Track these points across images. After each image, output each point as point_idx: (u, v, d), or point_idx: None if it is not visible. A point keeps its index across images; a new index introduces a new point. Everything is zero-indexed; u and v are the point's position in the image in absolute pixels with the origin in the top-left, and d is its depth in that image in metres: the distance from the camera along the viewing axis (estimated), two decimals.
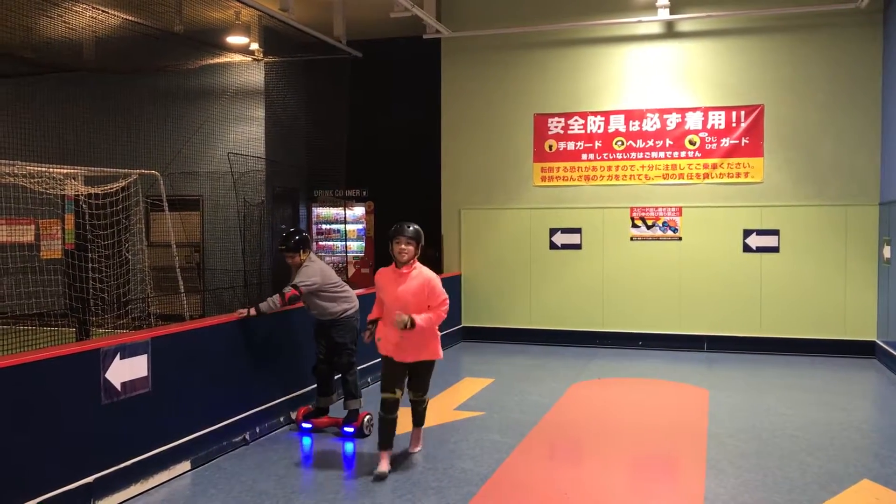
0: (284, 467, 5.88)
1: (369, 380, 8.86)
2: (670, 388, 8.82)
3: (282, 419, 6.98)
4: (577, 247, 11.36)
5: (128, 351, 5.19)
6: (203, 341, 6.10)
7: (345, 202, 13.88)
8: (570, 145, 11.36)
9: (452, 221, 11.94)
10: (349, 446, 6.45)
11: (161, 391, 5.46)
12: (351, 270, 13.95)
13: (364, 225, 14.06)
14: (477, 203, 11.81)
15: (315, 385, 7.00)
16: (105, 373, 5.00)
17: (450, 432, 6.88)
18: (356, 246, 14.10)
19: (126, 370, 5.16)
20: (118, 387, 5.10)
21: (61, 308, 10.47)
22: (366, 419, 6.62)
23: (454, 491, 5.36)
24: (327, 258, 14.25)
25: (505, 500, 5.33)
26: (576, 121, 11.34)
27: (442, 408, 7.73)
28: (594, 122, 11.26)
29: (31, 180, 9.29)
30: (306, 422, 6.76)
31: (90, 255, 10.47)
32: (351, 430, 6.56)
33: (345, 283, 6.81)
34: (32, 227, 12.93)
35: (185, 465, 5.70)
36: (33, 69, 12.32)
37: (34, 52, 12.05)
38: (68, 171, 9.72)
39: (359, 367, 7.27)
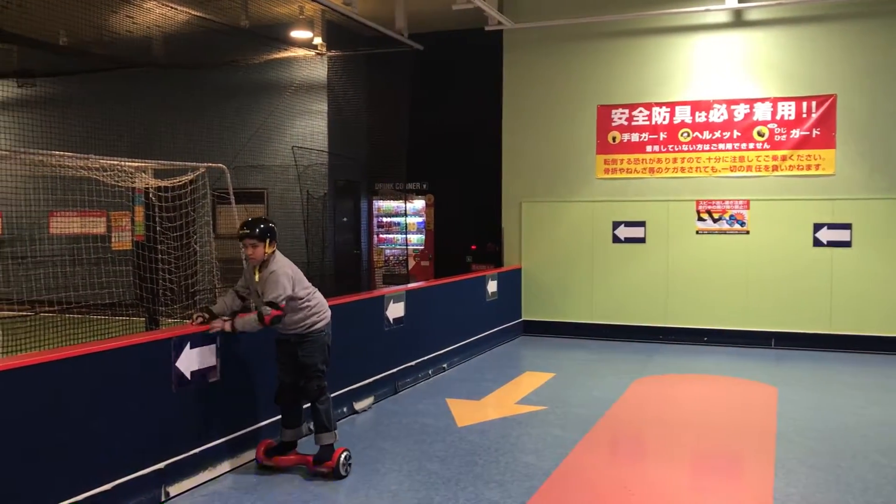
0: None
1: (445, 365, 8.89)
2: (737, 385, 8.63)
3: (345, 409, 7.05)
4: (641, 240, 11.20)
5: (197, 341, 5.30)
6: (269, 331, 6.18)
7: (405, 195, 13.94)
8: (635, 137, 11.19)
9: (513, 214, 11.88)
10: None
11: (229, 380, 5.56)
12: (411, 263, 14.02)
13: (424, 218, 14.11)
14: (538, 196, 11.73)
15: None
16: (175, 361, 5.11)
17: (512, 426, 6.86)
18: (416, 239, 14.15)
19: (196, 359, 5.27)
20: (188, 375, 5.22)
21: (131, 298, 10.75)
22: (342, 457, 5.42)
23: (517, 485, 5.34)
24: (387, 251, 14.35)
25: (568, 495, 5.29)
26: (640, 112, 11.16)
27: (503, 401, 7.71)
28: (659, 113, 11.07)
29: (103, 173, 9.54)
30: (268, 459, 5.54)
31: (159, 246, 10.72)
32: (324, 470, 5.41)
33: (316, 290, 5.62)
34: (104, 219, 13.31)
35: (252, 454, 5.80)
36: (105, 66, 12.67)
37: (106, 49, 12.39)
38: (138, 164, 9.96)
39: (344, 391, 7.12)
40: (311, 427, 5.69)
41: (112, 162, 9.38)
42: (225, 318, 5.33)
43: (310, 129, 13.19)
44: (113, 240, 12.63)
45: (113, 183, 9.86)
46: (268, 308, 5.20)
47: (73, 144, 10.22)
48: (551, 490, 5.28)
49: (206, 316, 5.35)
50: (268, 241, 5.35)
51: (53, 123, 12.40)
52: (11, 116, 14.12)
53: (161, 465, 4.96)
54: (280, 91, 13.24)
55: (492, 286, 10.74)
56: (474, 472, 5.60)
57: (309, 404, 5.56)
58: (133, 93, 13.73)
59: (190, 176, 10.50)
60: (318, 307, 5.53)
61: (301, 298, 5.41)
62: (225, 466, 5.53)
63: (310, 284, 5.54)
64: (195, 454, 5.25)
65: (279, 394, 5.56)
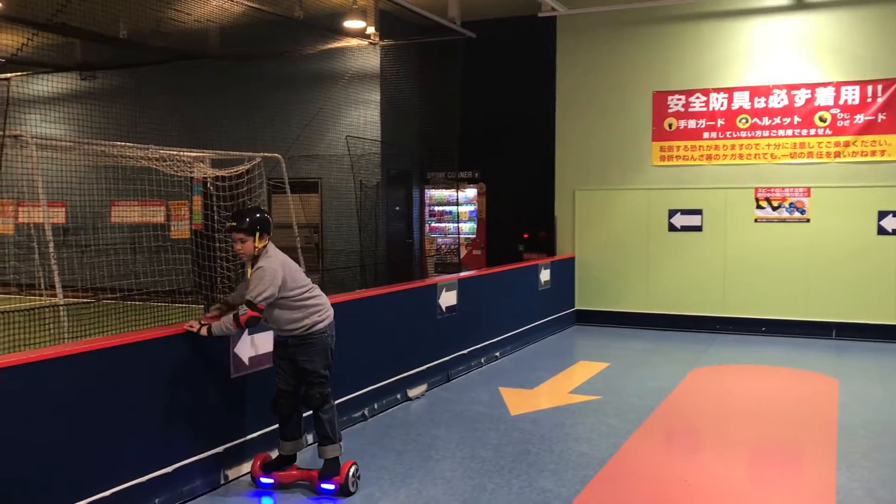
0: (403, 442, 5.98)
1: (497, 354, 8.89)
2: (796, 377, 8.45)
3: (398, 396, 7.10)
4: (698, 228, 11.00)
5: (254, 328, 5.38)
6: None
7: (457, 184, 13.93)
8: (692, 123, 10.99)
9: (566, 203, 11.79)
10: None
11: None
12: (463, 252, 14.02)
13: (476, 207, 14.08)
14: (592, 184, 11.61)
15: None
16: (234, 347, 5.20)
17: (565, 415, 6.83)
18: (468, 228, 14.14)
19: (254, 345, 5.36)
20: (246, 361, 5.30)
21: (190, 286, 10.97)
22: (351, 471, 4.88)
23: (571, 474, 5.32)
24: (438, 240, 14.37)
25: (622, 484, 5.25)
26: (697, 98, 10.95)
27: (556, 391, 7.68)
28: (717, 99, 10.85)
29: (162, 163, 9.74)
30: (266, 475, 5.00)
31: (216, 235, 10.92)
32: (331, 486, 4.83)
33: (315, 286, 5.01)
34: (163, 208, 13.59)
35: (307, 438, 5.88)
36: (163, 57, 12.91)
37: (163, 42, 12.63)
38: (196, 154, 10.15)
39: (397, 378, 7.12)
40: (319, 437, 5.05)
41: (171, 152, 9.58)
42: (204, 319, 4.83)
43: (363, 118, 13.27)
44: (172, 229, 12.91)
45: (172, 173, 10.06)
46: (244, 308, 4.62)
47: (133, 135, 10.45)
48: (605, 479, 5.24)
49: (224, 308, 4.97)
50: (258, 234, 4.74)
51: (114, 115, 12.70)
52: (75, 109, 14.50)
53: (220, 449, 5.06)
54: (334, 81, 13.33)
55: (545, 275, 10.69)
56: (527, 460, 5.59)
57: (310, 413, 5.00)
58: (190, 84, 13.98)
59: (246, 165, 10.66)
60: (318, 306, 4.92)
61: (295, 296, 4.81)
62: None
63: (308, 280, 4.95)
64: (252, 438, 5.34)
65: (276, 402, 4.96)
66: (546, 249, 12.18)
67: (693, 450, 6.23)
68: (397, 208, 14.15)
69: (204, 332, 4.68)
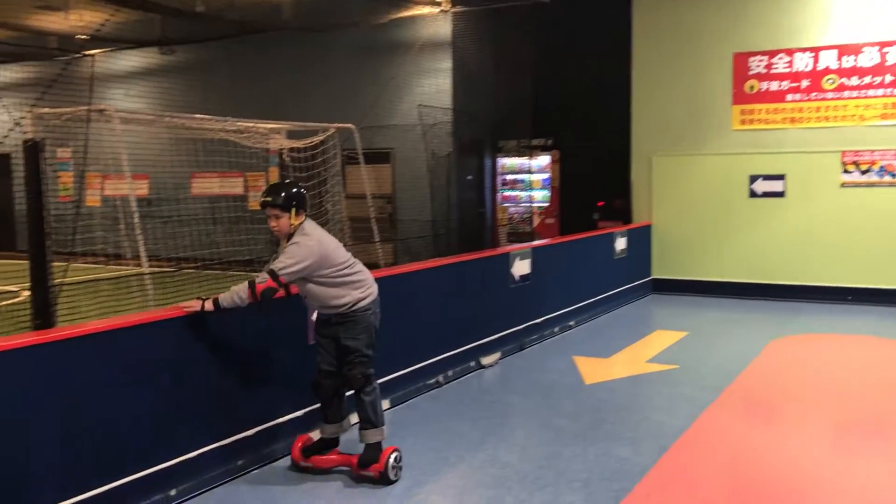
0: (478, 409, 6.01)
1: (572, 323, 8.82)
2: (884, 347, 8.13)
3: (472, 364, 7.13)
4: (780, 194, 10.64)
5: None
6: (399, 288, 6.31)
7: (530, 152, 13.80)
8: (774, 85, 10.59)
9: (642, 169, 11.55)
10: None
11: None
12: (536, 220, 13.92)
13: (549, 174, 13.93)
14: (669, 149, 11.33)
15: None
16: (311, 315, 5.29)
17: (641, 384, 6.75)
18: (541, 196, 14.01)
19: None
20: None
21: (267, 255, 11.20)
22: (391, 458, 4.58)
23: (648, 443, 5.26)
24: (511, 209, 14.29)
25: (700, 454, 5.16)
26: (780, 59, 10.53)
27: (633, 360, 7.59)
28: (801, 59, 10.41)
29: (240, 135, 9.93)
30: (305, 459, 4.77)
31: None
32: (371, 474, 4.58)
33: (357, 262, 4.74)
34: (241, 179, 13.88)
35: (385, 404, 5.95)
36: (238, 30, 13.11)
37: (238, 15, 12.81)
38: (273, 126, 10.30)
39: (471, 346, 7.10)
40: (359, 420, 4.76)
41: (247, 124, 9.75)
42: (204, 297, 4.48)
43: (435, 87, 13.24)
44: (249, 200, 13.18)
45: (249, 145, 10.25)
46: (264, 275, 4.35)
47: (211, 108, 10.67)
48: (683, 449, 5.17)
49: (210, 306, 4.46)
50: (293, 210, 4.48)
51: (193, 88, 12.99)
52: (155, 83, 14.88)
53: (300, 413, 5.17)
54: (405, 50, 13.32)
55: (620, 243, 10.53)
56: (603, 428, 5.55)
57: (353, 394, 4.73)
58: (265, 56, 14.17)
59: (321, 136, 10.78)
60: (361, 282, 4.66)
61: (335, 272, 4.53)
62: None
63: (348, 256, 4.69)
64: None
65: (317, 383, 4.74)
66: (622, 217, 11.98)
67: (773, 422, 6.08)
68: (469, 177, 14.12)
69: (209, 305, 4.34)
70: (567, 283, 9.06)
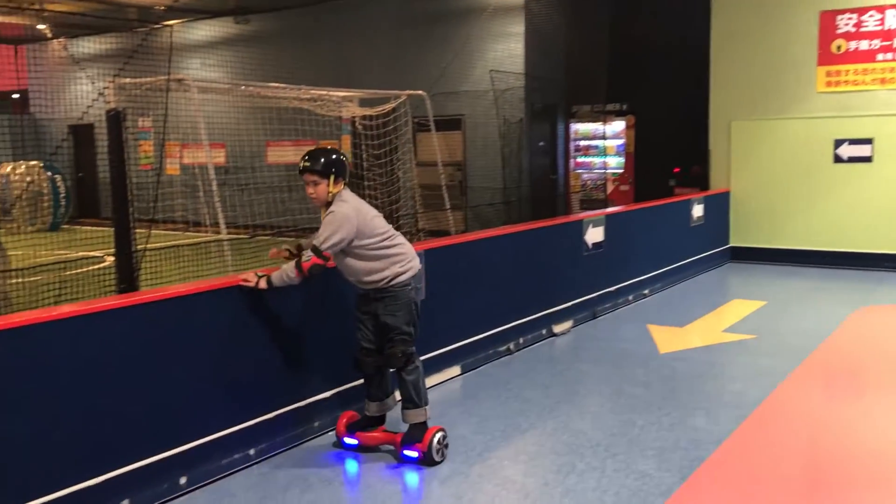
0: (549, 376, 6.00)
1: (646, 291, 8.69)
2: None
3: (544, 332, 7.10)
4: (867, 159, 10.20)
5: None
6: (470, 255, 6.32)
7: (604, 117, 13.54)
8: (864, 44, 10.10)
9: (721, 134, 11.22)
10: None
11: (433, 299, 5.73)
12: (609, 188, 13.70)
13: (624, 140, 13.66)
14: (749, 114, 10.96)
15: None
16: None
17: (718, 354, 6.61)
18: (615, 162, 13.77)
19: None
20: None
21: None
22: (436, 438, 4.39)
23: (723, 412, 5.16)
24: (584, 175, 14.10)
25: (777, 426, 5.04)
26: (871, 16, 10.03)
27: (709, 329, 7.44)
28: (894, 16, 9.89)
29: (313, 104, 10.03)
30: (350, 435, 4.61)
31: (364, 173, 11.19)
32: (413, 454, 4.38)
33: (397, 234, 4.52)
34: (314, 147, 13.99)
35: (456, 370, 6.01)
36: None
37: None
38: (345, 94, 10.36)
39: (543, 313, 7.00)
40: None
41: (320, 92, 9.83)
42: (261, 273, 4.37)
43: (507, 52, 13.08)
44: None
45: (322, 113, 10.34)
46: (308, 254, 4.22)
47: (285, 76, 10.79)
48: (760, 419, 5.06)
49: (293, 251, 4.48)
50: (332, 177, 4.28)
51: (267, 57, 13.14)
52: (231, 52, 15.11)
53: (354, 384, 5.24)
54: (477, 15, 13.18)
55: (697, 210, 10.28)
56: (678, 398, 5.47)
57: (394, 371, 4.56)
58: (338, 24, 14.22)
59: (392, 104, 10.80)
60: (401, 255, 4.42)
61: (374, 244, 4.33)
62: (431, 381, 5.75)
63: (388, 227, 4.46)
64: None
65: (358, 360, 4.57)
66: (699, 184, 11.69)
67: (855, 393, 5.88)
68: (541, 144, 13.97)
69: (263, 284, 4.26)
70: (641, 251, 8.91)
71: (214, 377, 4.27)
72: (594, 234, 7.92)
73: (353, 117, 10.97)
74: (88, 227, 12.83)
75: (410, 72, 13.35)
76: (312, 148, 4.44)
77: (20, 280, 7.31)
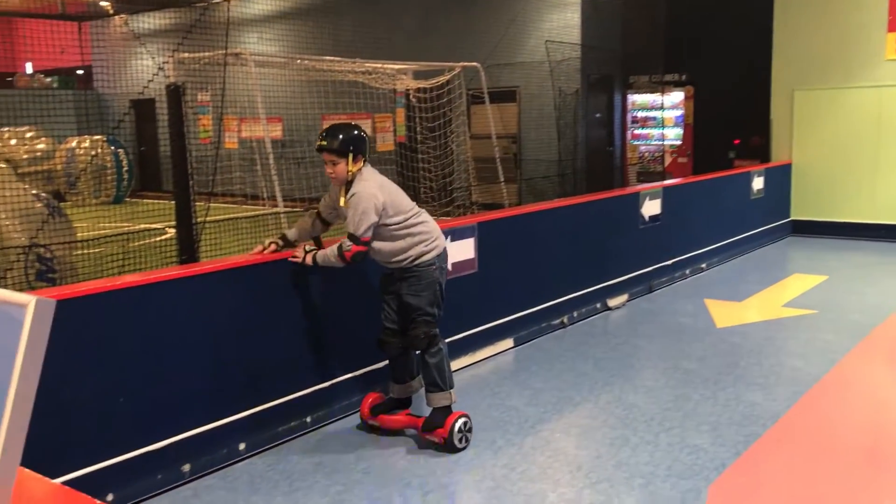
0: (603, 350, 5.97)
1: (703, 265, 8.57)
2: None
3: (598, 305, 7.06)
4: None
5: (457, 234, 5.51)
6: (524, 228, 6.30)
7: (662, 87, 13.28)
8: None
9: (783, 104, 10.90)
10: None
11: (486, 272, 5.76)
12: (667, 160, 13.47)
13: (682, 111, 13.39)
14: (813, 83, 10.62)
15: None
16: None
17: (776, 329, 6.49)
18: (673, 134, 13.52)
19: (456, 252, 5.50)
20: (448, 266, 5.43)
21: None
22: (457, 424, 4.24)
23: (781, 389, 5.08)
24: (642, 147, 13.87)
25: (837, 403, 4.95)
26: None
27: (768, 304, 7.30)
28: None
29: (368, 77, 10.05)
30: (373, 417, 4.50)
31: (419, 146, 11.20)
32: (435, 439, 4.26)
33: (422, 212, 4.36)
34: (369, 121, 14.07)
35: (509, 343, 6.02)
36: None
37: None
38: (399, 66, 10.36)
39: (598, 287, 6.94)
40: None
41: (375, 65, 9.84)
42: (309, 248, 4.34)
43: (562, 22, 12.89)
44: (377, 141, 13.37)
45: (377, 86, 10.36)
46: (348, 242, 4.10)
47: (340, 50, 10.83)
48: (819, 396, 4.96)
49: (280, 243, 4.39)
50: (351, 155, 4.11)
51: (322, 31, 13.20)
52: (287, 26, 15.22)
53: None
54: None
55: (757, 183, 10.05)
56: (735, 373, 5.40)
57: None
58: None
59: (446, 76, 10.76)
60: (425, 234, 4.26)
61: (398, 223, 4.18)
62: (484, 353, 5.80)
63: (412, 205, 4.31)
64: (457, 339, 5.53)
65: (382, 341, 4.42)
66: (760, 156, 11.41)
67: None
68: (598, 115, 13.78)
69: (309, 260, 4.23)
70: (699, 225, 8.77)
71: (273, 347, 4.37)
72: (651, 207, 7.82)
73: (408, 90, 10.97)
74: (150, 200, 13.15)
75: (465, 43, 13.27)
76: (333, 124, 4.26)
77: (86, 251, 7.55)
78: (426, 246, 4.25)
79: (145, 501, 3.73)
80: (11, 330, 1.00)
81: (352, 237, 4.08)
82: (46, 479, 1.53)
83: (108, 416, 3.65)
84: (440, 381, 4.30)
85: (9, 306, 1.04)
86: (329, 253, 4.17)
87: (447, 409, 4.29)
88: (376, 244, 4.19)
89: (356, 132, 4.19)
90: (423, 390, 4.43)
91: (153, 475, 3.79)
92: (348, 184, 4.14)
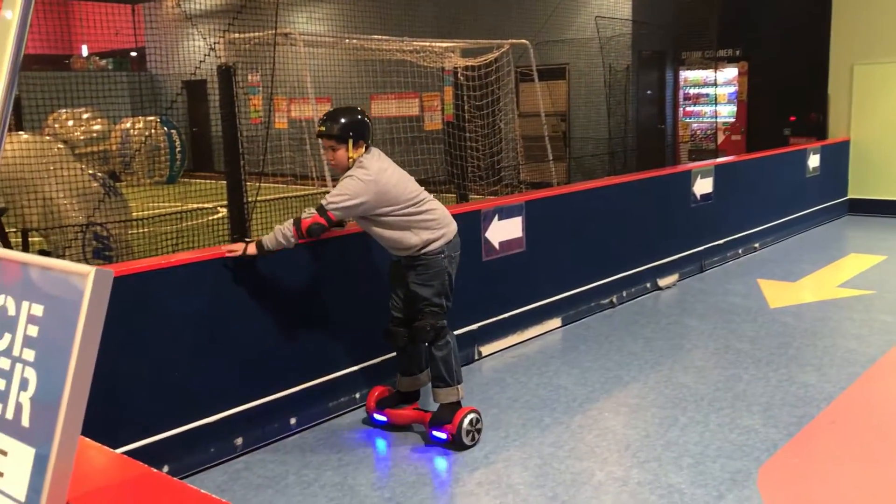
0: (653, 330, 5.92)
1: (756, 245, 8.42)
2: None
3: (648, 285, 6.98)
4: None
5: (505, 213, 5.50)
6: (573, 207, 6.26)
7: (715, 63, 12.99)
8: None
9: (842, 80, 10.58)
10: None
11: (534, 251, 5.74)
12: (720, 137, 13.21)
13: (736, 88, 13.10)
14: (874, 57, 10.28)
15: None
16: (485, 232, 5.37)
17: (832, 310, 6.35)
18: (726, 111, 13.24)
19: (504, 231, 5.49)
20: (496, 245, 5.46)
21: (443, 175, 11.39)
22: (466, 420, 4.02)
23: (836, 370, 4.98)
24: (694, 125, 13.62)
25: (892, 384, 4.84)
26: None
27: (823, 284, 7.15)
28: None
29: (416, 55, 10.03)
30: (379, 412, 4.32)
31: (467, 125, 11.16)
32: (442, 435, 4.04)
33: (430, 198, 4.12)
34: (417, 100, 14.08)
35: (556, 322, 6.00)
36: None
37: None
38: (447, 44, 10.32)
39: (648, 266, 6.85)
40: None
41: (423, 43, 9.82)
42: (249, 238, 4.06)
43: None
44: (425, 120, 13.37)
45: (425, 65, 10.33)
46: (309, 211, 3.84)
47: (389, 28, 10.82)
48: (875, 377, 4.85)
49: (253, 250, 3.95)
50: (351, 141, 3.89)
51: (372, 10, 13.19)
52: (335, 6, 15.26)
53: (474, 327, 5.32)
54: None
55: (813, 161, 9.80)
56: (788, 354, 5.30)
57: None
58: None
59: (494, 54, 10.68)
60: (432, 221, 4.03)
61: (402, 210, 3.94)
62: (531, 332, 5.79)
63: (419, 191, 4.07)
64: (504, 319, 5.54)
65: (389, 331, 4.22)
66: (816, 133, 11.11)
67: None
68: (649, 92, 13.56)
69: (252, 249, 3.87)
70: (752, 204, 8.59)
71: (324, 323, 4.42)
72: (703, 186, 7.69)
73: (456, 68, 10.91)
74: (202, 180, 13.37)
75: (513, 21, 13.14)
76: (333, 109, 4.03)
77: (141, 230, 7.73)
78: (433, 233, 4.02)
79: (199, 473, 3.83)
80: (72, 300, 1.03)
81: (320, 209, 3.81)
82: (106, 448, 1.58)
83: (164, 390, 3.74)
84: (447, 376, 4.09)
85: (69, 276, 1.07)
86: (280, 229, 3.83)
87: (456, 405, 4.09)
88: (380, 232, 4.00)
89: (358, 116, 3.98)
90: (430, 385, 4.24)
91: (207, 448, 3.89)
92: (346, 168, 3.92)
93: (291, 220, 3.82)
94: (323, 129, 3.91)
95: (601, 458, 3.88)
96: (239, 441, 4.01)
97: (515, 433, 4.20)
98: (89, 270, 1.07)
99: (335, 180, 4.04)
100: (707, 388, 4.74)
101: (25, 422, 1.21)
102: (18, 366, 1.23)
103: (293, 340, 4.27)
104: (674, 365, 5.18)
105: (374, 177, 3.87)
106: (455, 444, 4.00)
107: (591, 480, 3.66)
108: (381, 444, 4.14)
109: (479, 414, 4.10)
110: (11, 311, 1.26)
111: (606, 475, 3.71)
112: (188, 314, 3.83)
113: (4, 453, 1.23)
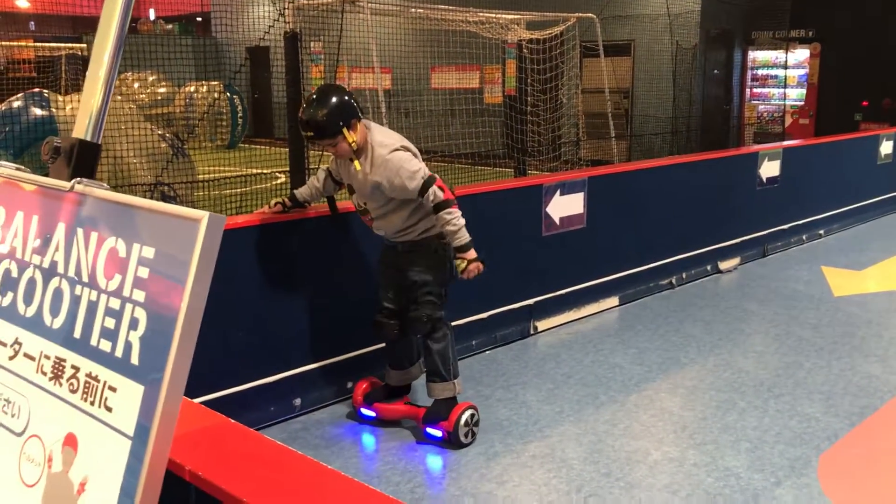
0: (713, 313, 5.84)
1: (821, 232, 8.22)
2: None
3: (709, 268, 6.88)
4: None
5: (567, 188, 5.46)
6: (636, 185, 6.18)
7: (786, 44, 12.64)
8: None
9: None
10: None
11: (595, 228, 5.68)
12: (788, 120, 12.88)
13: (807, 70, 12.74)
14: None
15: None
16: (546, 207, 5.33)
17: None
18: (796, 94, 12.89)
19: (565, 206, 5.45)
20: (557, 221, 5.42)
21: (501, 149, 11.34)
22: (463, 417, 3.74)
23: None
24: (760, 107, 13.28)
25: None
26: None
27: (890, 274, 6.97)
28: None
29: (480, 27, 9.96)
30: (367, 406, 4.01)
31: (528, 99, 11.07)
32: (437, 433, 3.77)
33: (434, 176, 3.68)
34: (478, 73, 14.00)
35: (614, 301, 5.96)
36: None
37: None
38: (513, 16, 10.22)
39: (709, 248, 6.70)
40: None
41: (489, 15, 9.74)
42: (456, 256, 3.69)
43: None
44: (486, 93, 13.30)
45: (489, 36, 10.26)
46: (434, 191, 3.56)
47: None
48: None
49: (289, 203, 3.93)
50: (345, 128, 3.46)
51: None
52: None
53: (531, 302, 5.31)
54: None
55: (886, 147, 9.49)
56: (851, 343, 5.18)
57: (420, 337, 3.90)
58: None
59: (560, 27, 10.55)
60: None
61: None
62: (588, 310, 5.76)
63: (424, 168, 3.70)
64: (561, 295, 5.52)
65: (378, 322, 3.87)
66: (889, 119, 10.76)
67: None
68: (716, 72, 13.27)
69: (472, 254, 3.65)
70: (819, 189, 8.37)
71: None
72: (769, 169, 7.51)
73: (520, 41, 10.81)
74: (261, 146, 13.53)
75: None
76: (305, 104, 3.51)
77: (205, 192, 7.87)
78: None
79: (258, 431, 3.92)
80: (184, 243, 1.07)
81: (428, 184, 3.54)
82: (186, 397, 1.63)
83: (228, 348, 3.83)
84: (443, 371, 3.80)
85: (182, 221, 1.10)
86: (452, 226, 3.59)
87: (452, 401, 3.81)
88: (383, 210, 3.69)
89: (334, 99, 3.47)
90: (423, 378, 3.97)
91: (266, 407, 3.97)
92: (356, 152, 3.54)
93: (447, 210, 3.56)
94: (311, 134, 3.50)
95: (657, 438, 3.86)
96: (297, 402, 4.09)
97: (570, 409, 4.20)
98: (203, 215, 1.12)
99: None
100: (767, 373, 4.67)
101: (135, 359, 1.26)
102: (129, 306, 1.27)
103: (354, 307, 4.30)
104: (733, 349, 5.11)
105: (406, 143, 3.65)
106: (451, 443, 3.74)
107: (647, 459, 3.65)
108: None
109: (476, 410, 3.84)
110: (122, 253, 1.30)
111: (662, 455, 3.69)
112: (253, 276, 3.90)
113: (114, 389, 1.28)
